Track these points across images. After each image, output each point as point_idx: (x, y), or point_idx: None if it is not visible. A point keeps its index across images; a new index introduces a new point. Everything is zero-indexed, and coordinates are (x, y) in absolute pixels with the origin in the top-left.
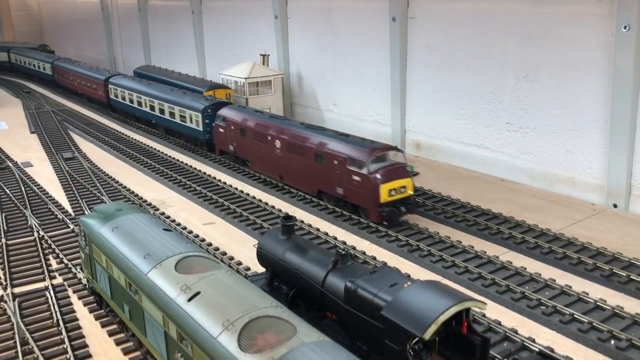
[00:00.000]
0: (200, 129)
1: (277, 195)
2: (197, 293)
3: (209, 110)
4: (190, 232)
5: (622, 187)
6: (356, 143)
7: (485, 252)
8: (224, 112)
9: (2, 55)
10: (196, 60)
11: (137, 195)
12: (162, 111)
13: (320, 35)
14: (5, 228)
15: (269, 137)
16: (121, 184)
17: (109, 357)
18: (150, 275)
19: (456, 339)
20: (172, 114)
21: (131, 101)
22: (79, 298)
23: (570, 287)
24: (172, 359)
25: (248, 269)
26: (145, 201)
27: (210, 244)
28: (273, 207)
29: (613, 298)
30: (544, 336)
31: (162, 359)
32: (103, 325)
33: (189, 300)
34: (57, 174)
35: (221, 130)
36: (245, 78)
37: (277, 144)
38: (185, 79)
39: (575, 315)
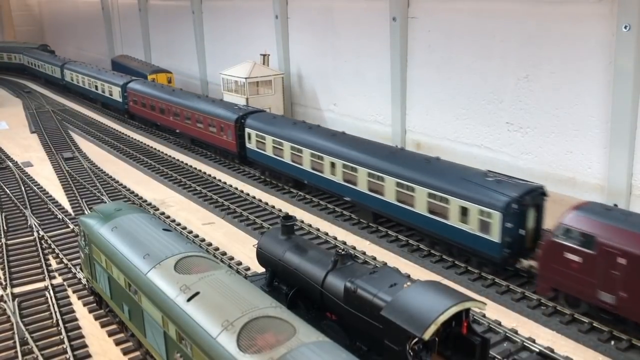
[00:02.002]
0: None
1: (277, 195)
2: (197, 293)
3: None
4: (190, 232)
5: (622, 187)
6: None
7: None
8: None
9: (56, 69)
10: (196, 60)
11: (137, 195)
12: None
13: (321, 35)
14: (5, 228)
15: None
16: (121, 184)
17: (108, 357)
18: (150, 275)
19: (456, 339)
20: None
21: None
22: (79, 298)
23: None
24: (172, 359)
25: (248, 269)
26: (145, 201)
27: (210, 244)
28: (273, 207)
29: None
30: (544, 336)
31: (162, 359)
32: (103, 325)
33: (189, 300)
34: (57, 174)
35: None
36: (246, 78)
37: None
38: (134, 64)
39: (575, 316)
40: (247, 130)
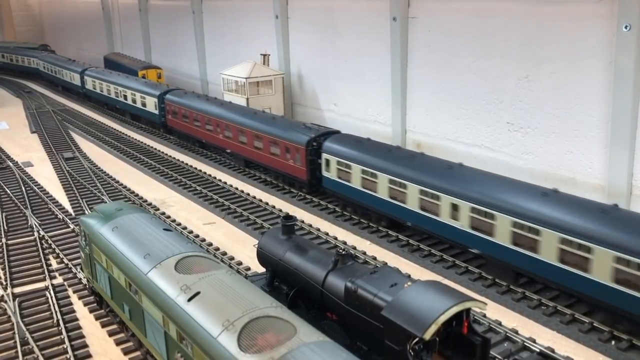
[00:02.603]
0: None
1: (278, 195)
2: (197, 293)
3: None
4: (191, 232)
5: (623, 187)
6: None
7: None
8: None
9: (75, 76)
10: (197, 60)
11: (137, 195)
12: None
13: (321, 35)
14: (6, 228)
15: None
16: (121, 184)
17: (109, 357)
18: (151, 275)
19: (456, 339)
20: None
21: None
22: (79, 298)
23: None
24: (172, 359)
25: (248, 269)
26: (146, 201)
27: (210, 244)
28: (273, 207)
29: None
30: (544, 337)
31: (162, 359)
32: (103, 325)
33: (189, 300)
34: (57, 174)
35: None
36: (246, 78)
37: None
38: (126, 60)
39: (575, 316)
40: (324, 155)
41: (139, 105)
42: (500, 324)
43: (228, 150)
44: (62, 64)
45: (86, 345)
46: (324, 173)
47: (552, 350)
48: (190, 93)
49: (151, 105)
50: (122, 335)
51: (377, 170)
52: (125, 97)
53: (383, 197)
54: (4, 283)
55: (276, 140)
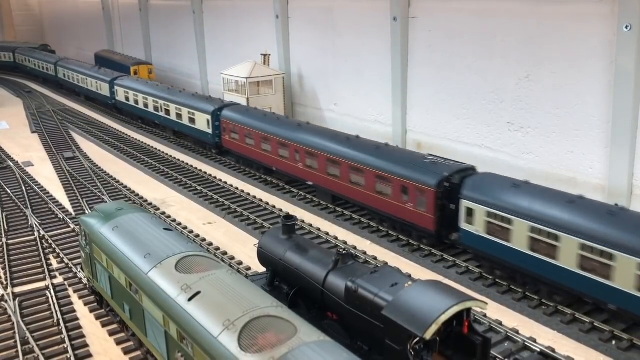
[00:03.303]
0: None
1: (278, 195)
2: (198, 293)
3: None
4: (191, 231)
5: (623, 187)
6: None
7: None
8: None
9: (103, 86)
10: (197, 60)
11: (137, 195)
12: None
13: (322, 35)
14: (6, 227)
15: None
16: (122, 184)
17: (109, 356)
18: (151, 275)
19: (457, 339)
20: None
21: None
22: (80, 297)
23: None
24: (173, 358)
25: (249, 268)
26: (146, 201)
27: (210, 244)
28: (274, 206)
29: None
30: (545, 336)
31: (163, 359)
32: (103, 325)
33: (190, 299)
34: (57, 174)
35: None
36: (247, 78)
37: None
38: (117, 57)
39: (576, 316)
40: (465, 203)
41: (185, 122)
42: (500, 323)
43: (310, 182)
44: (88, 71)
45: (86, 345)
46: (464, 225)
47: (553, 350)
48: (253, 109)
49: (202, 122)
50: (122, 334)
51: (558, 230)
52: (167, 111)
53: (568, 267)
54: (5, 283)
55: (387, 177)
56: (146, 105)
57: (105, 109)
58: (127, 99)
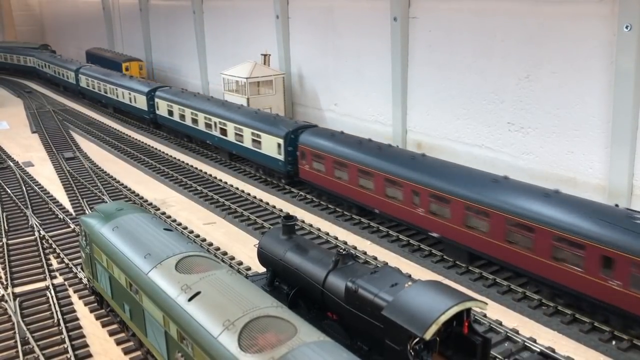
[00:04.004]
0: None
1: (278, 195)
2: (198, 293)
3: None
4: (191, 231)
5: (624, 187)
6: None
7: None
8: None
9: (140, 98)
10: (197, 60)
11: (137, 195)
12: None
13: (322, 35)
14: (6, 227)
15: None
16: (122, 184)
17: (109, 356)
18: (151, 275)
19: (457, 339)
20: None
21: None
22: (80, 298)
23: None
24: (173, 358)
25: (249, 268)
26: (146, 201)
27: (210, 244)
28: (274, 206)
29: None
30: (545, 336)
31: (163, 359)
32: (104, 325)
33: (190, 300)
34: (58, 174)
35: None
36: (247, 78)
37: None
38: (108, 54)
39: (576, 316)
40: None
41: (246, 144)
42: (500, 323)
43: (435, 235)
44: (118, 80)
45: (87, 345)
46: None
47: (553, 350)
48: (340, 134)
49: (271, 146)
50: (122, 335)
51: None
52: (223, 131)
53: None
54: (5, 283)
55: (563, 237)
56: (195, 123)
57: (107, 109)
58: (170, 113)
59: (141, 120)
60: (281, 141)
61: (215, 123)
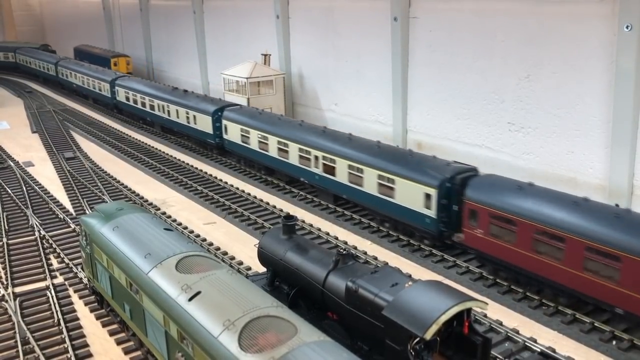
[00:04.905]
0: None
1: (278, 195)
2: (198, 293)
3: None
4: (191, 231)
5: (624, 187)
6: None
7: None
8: None
9: (206, 120)
10: (197, 60)
11: (138, 195)
12: None
13: (322, 35)
14: (7, 227)
15: None
16: (122, 184)
17: (109, 356)
18: (151, 275)
19: (457, 339)
20: None
21: None
22: (80, 297)
23: None
24: (173, 358)
25: (249, 268)
26: (147, 201)
27: (211, 244)
28: (274, 206)
29: None
30: (545, 336)
31: (163, 359)
32: (104, 325)
33: (190, 299)
34: (58, 174)
35: None
36: (247, 78)
37: None
38: (97, 50)
39: (576, 316)
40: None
41: (368, 189)
42: (501, 323)
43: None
44: (157, 92)
45: (87, 345)
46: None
47: (553, 350)
48: (529, 187)
49: (414, 198)
50: (122, 334)
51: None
52: (329, 168)
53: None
54: (5, 283)
55: None
56: (265, 150)
57: (105, 109)
58: (245, 140)
59: (202, 145)
60: (433, 192)
61: (316, 157)
